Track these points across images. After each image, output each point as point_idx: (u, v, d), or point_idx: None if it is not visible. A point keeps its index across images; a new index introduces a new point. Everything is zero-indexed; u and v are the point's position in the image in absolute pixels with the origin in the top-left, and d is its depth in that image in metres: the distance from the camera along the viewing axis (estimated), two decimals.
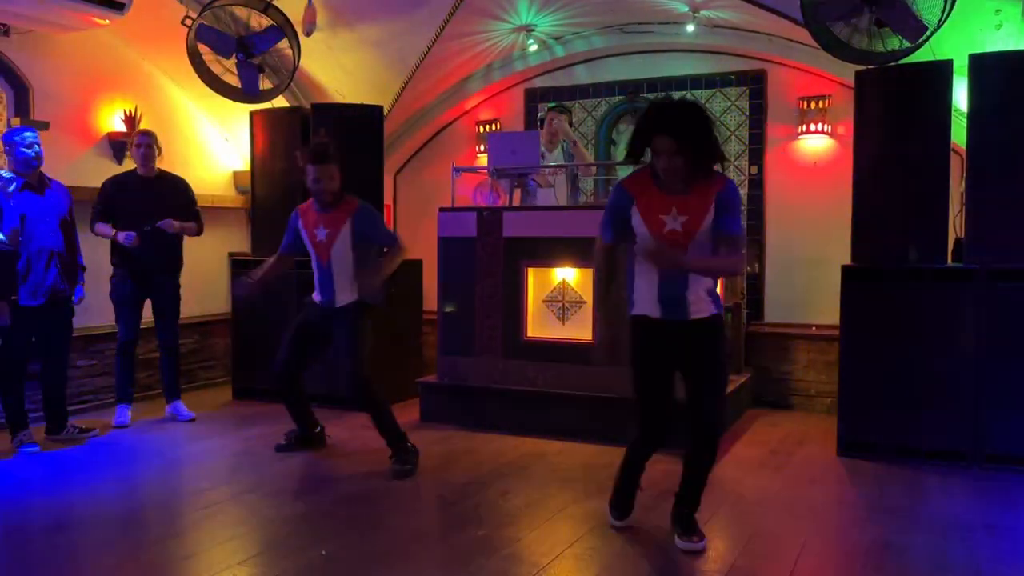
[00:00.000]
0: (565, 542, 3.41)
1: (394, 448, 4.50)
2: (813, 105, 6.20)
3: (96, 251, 5.45)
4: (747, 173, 6.46)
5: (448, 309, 5.63)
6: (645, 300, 3.34)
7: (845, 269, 4.84)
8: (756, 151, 6.43)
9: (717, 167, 3.28)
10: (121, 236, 5.23)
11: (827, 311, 5.70)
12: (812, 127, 6.20)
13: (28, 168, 4.79)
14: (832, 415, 5.19)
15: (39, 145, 4.86)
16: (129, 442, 5.08)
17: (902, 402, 4.66)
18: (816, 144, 6.27)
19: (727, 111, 6.50)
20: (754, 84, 6.43)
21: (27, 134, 4.87)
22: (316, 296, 4.65)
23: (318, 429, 4.97)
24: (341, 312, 4.54)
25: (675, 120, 3.11)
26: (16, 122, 5.61)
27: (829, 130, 6.19)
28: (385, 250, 4.65)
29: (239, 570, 3.11)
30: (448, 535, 3.51)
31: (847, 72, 5.26)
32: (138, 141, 5.43)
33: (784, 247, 6.38)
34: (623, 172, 6.32)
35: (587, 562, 3.26)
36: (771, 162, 6.42)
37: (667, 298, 3.28)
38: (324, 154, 4.43)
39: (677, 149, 3.09)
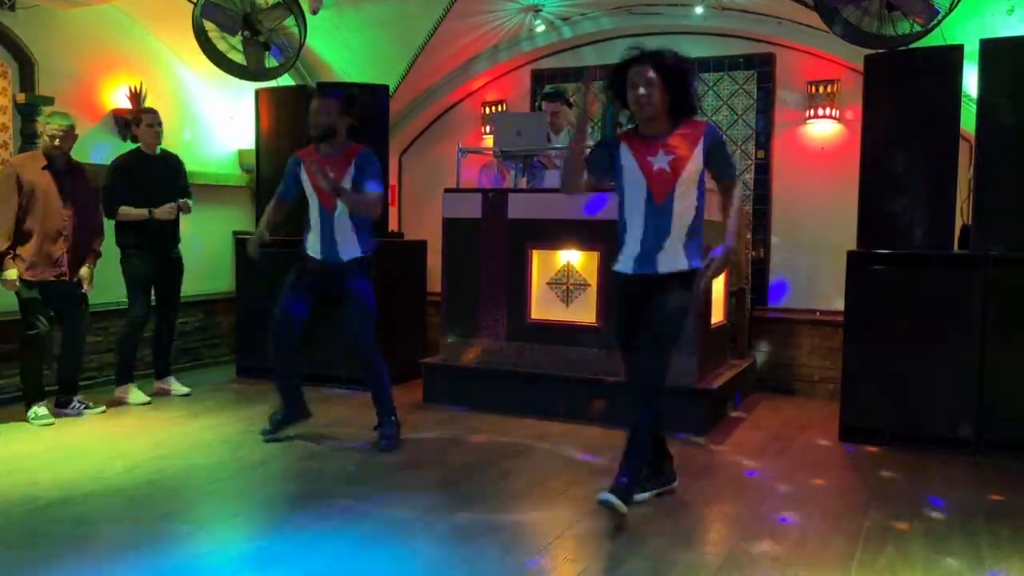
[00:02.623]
0: (567, 523, 3.42)
1: (382, 419, 4.53)
2: (822, 89, 6.16)
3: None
4: (754, 157, 6.43)
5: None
6: (625, 255, 3.51)
7: (851, 255, 4.82)
8: (763, 135, 6.40)
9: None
10: (160, 211, 5.34)
11: (832, 297, 5.70)
12: (820, 112, 6.16)
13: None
14: (835, 401, 5.20)
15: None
16: (133, 418, 5.11)
17: (905, 388, 4.66)
18: (824, 129, 6.23)
19: (735, 94, 6.46)
20: (762, 68, 6.39)
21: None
22: (313, 251, 4.48)
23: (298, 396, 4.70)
24: (347, 270, 4.42)
25: (652, 54, 3.35)
26: (21, 98, 5.60)
27: (837, 115, 6.16)
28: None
29: (242, 546, 3.13)
30: (450, 515, 3.53)
31: (856, 56, 5.22)
32: (152, 120, 5.45)
33: (790, 232, 6.36)
34: None
35: (589, 542, 3.27)
36: (778, 147, 6.39)
37: (642, 253, 3.44)
38: (328, 92, 4.52)
39: (652, 79, 3.29)
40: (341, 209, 4.38)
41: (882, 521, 3.49)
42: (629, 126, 3.68)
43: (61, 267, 4.94)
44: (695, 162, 3.37)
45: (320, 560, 3.02)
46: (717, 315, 5.46)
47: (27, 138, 5.56)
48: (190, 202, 5.61)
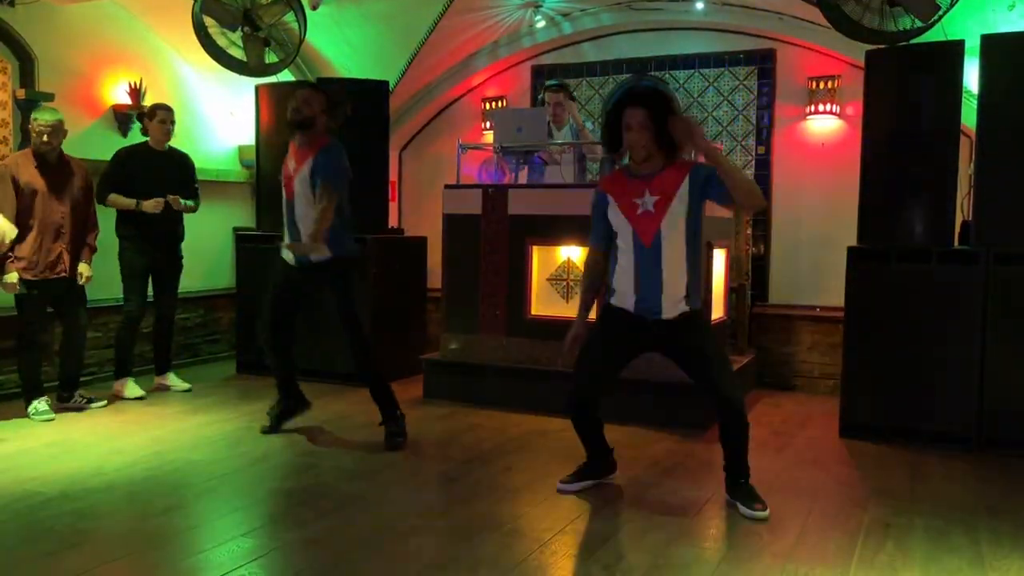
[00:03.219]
0: (567, 518, 3.43)
1: (387, 416, 4.51)
2: (822, 85, 6.16)
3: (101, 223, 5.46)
4: (754, 153, 6.43)
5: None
6: (623, 294, 3.52)
7: (851, 250, 4.82)
8: (764, 131, 6.40)
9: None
10: (148, 204, 5.29)
11: (832, 293, 5.70)
12: (821, 107, 6.16)
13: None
14: (835, 397, 5.20)
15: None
16: (133, 414, 5.11)
17: (905, 384, 4.66)
18: (825, 124, 6.23)
19: (735, 90, 6.45)
20: (763, 63, 6.38)
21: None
22: (285, 251, 4.41)
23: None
24: (324, 271, 4.32)
25: (644, 93, 3.42)
26: (21, 94, 5.60)
27: (838, 110, 6.15)
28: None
29: (243, 541, 3.14)
30: (450, 511, 3.53)
31: (857, 52, 5.22)
32: (166, 116, 5.45)
33: (790, 228, 6.36)
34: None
35: (589, 538, 3.27)
36: (779, 142, 6.39)
37: (643, 296, 3.46)
38: (314, 86, 4.63)
39: (643, 121, 3.34)
40: (297, 198, 4.30)
41: (882, 517, 3.49)
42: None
43: (60, 264, 4.93)
44: (680, 200, 3.39)
45: (320, 557, 3.02)
46: (717, 311, 5.46)
47: (27, 134, 5.55)
48: (190, 202, 5.56)
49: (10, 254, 4.78)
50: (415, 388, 5.71)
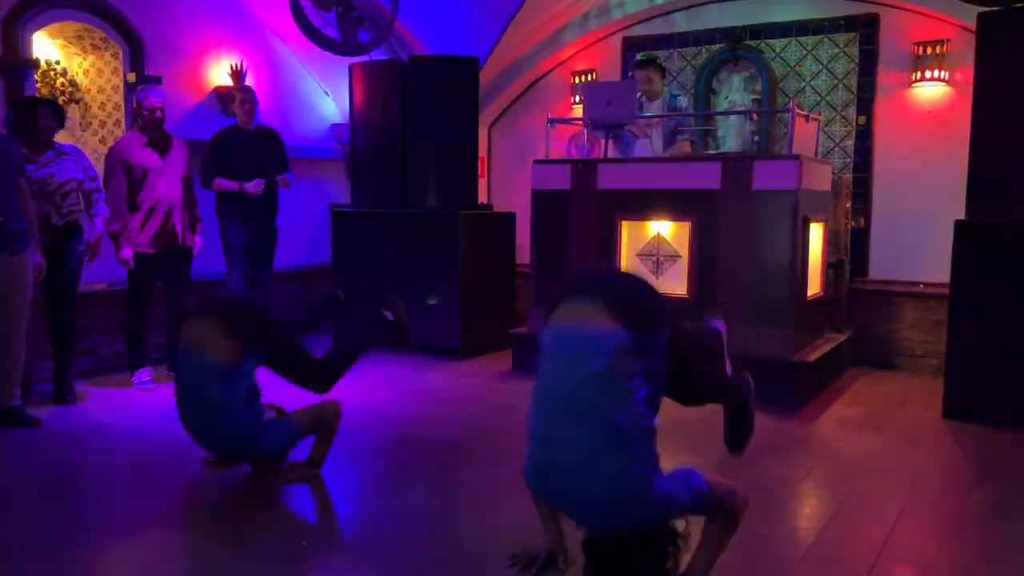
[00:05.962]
0: None
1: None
2: (929, 50, 5.85)
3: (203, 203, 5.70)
4: (855, 123, 6.18)
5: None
6: None
7: (959, 224, 4.60)
8: (865, 100, 6.13)
9: None
10: (251, 186, 5.52)
11: (936, 268, 5.45)
12: (928, 74, 5.86)
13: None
14: (938, 377, 4.99)
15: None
16: None
17: (1013, 365, 4.43)
18: (931, 92, 5.93)
19: (835, 58, 6.20)
20: (865, 29, 6.10)
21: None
22: None
23: None
24: None
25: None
26: (132, 77, 5.87)
27: (946, 77, 5.84)
28: None
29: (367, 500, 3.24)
30: None
31: (968, 15, 4.93)
32: (245, 97, 5.65)
33: (892, 201, 6.10)
34: (722, 124, 6.16)
35: None
36: (881, 111, 6.12)
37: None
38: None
39: None
40: None
41: (987, 503, 3.36)
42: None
43: (170, 238, 5.18)
44: None
45: (415, 524, 3.12)
46: (813, 287, 5.31)
47: (136, 116, 5.84)
48: (288, 176, 5.78)
49: (123, 230, 5.04)
50: (504, 362, 5.77)
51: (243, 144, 5.66)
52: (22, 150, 4.39)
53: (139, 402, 4.84)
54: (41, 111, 4.58)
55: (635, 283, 2.57)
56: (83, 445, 4.10)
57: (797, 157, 4.84)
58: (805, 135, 5.45)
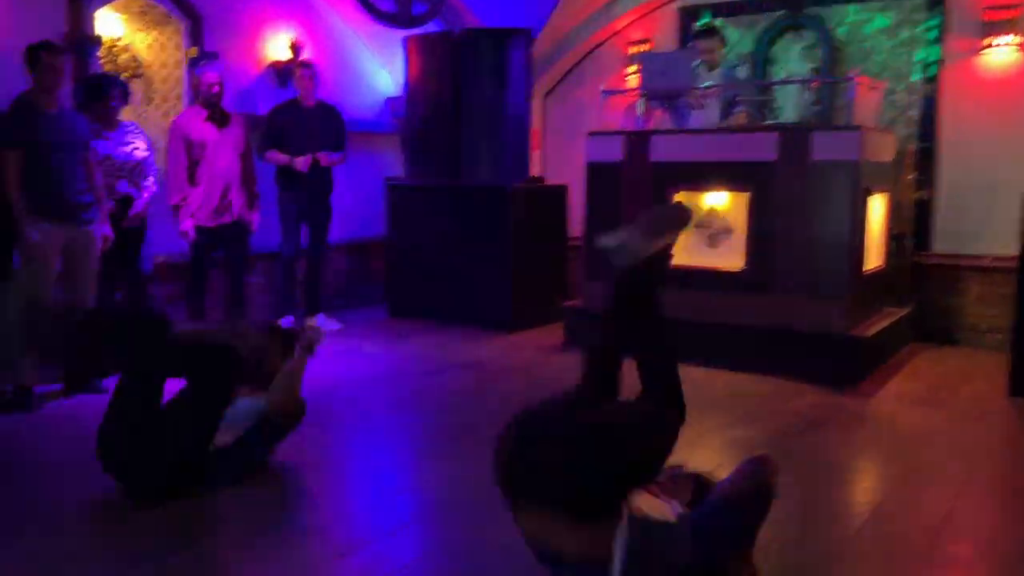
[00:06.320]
0: (712, 464, 3.39)
1: None
2: (1002, 16, 5.61)
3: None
4: (920, 92, 5.97)
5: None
6: None
7: None
8: (931, 67, 5.92)
9: None
10: (299, 161, 5.59)
11: (1004, 241, 5.27)
12: (999, 40, 5.63)
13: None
14: (1004, 352, 4.84)
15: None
16: None
17: None
18: (1002, 58, 5.69)
19: (900, 24, 5.99)
20: None
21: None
22: None
23: None
24: None
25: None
26: (192, 52, 5.98)
27: (1019, 42, 5.61)
28: None
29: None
30: None
31: None
32: (304, 72, 5.72)
33: (959, 171, 5.89)
34: (780, 94, 6.00)
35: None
36: (948, 79, 5.90)
37: None
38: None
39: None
40: None
41: None
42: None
43: (228, 212, 5.30)
44: None
45: (463, 495, 3.17)
46: (873, 260, 5.18)
47: (196, 92, 5.95)
48: (337, 155, 5.82)
49: (183, 204, 5.17)
50: (555, 335, 5.78)
51: (299, 119, 5.73)
52: (92, 124, 4.52)
53: None
54: (108, 89, 4.71)
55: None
56: None
57: (858, 127, 4.71)
58: (867, 104, 5.30)
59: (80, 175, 4.30)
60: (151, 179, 4.88)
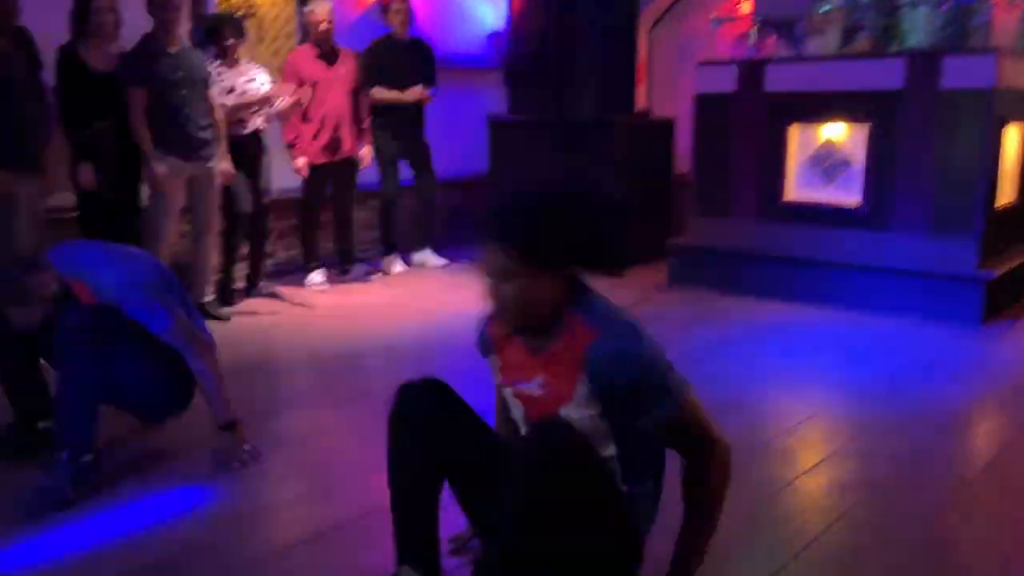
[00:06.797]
0: (805, 413, 3.30)
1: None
2: None
3: None
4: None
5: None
6: None
7: None
8: None
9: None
10: (412, 93, 5.64)
11: None
12: None
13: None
14: None
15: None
16: (400, 287, 5.59)
17: None
18: None
19: None
20: None
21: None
22: None
23: None
24: None
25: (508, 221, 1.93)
26: None
27: None
28: None
29: None
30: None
31: None
32: (398, 7, 5.70)
33: None
34: (908, 17, 5.59)
35: (824, 434, 3.17)
36: None
37: None
38: None
39: (505, 266, 1.90)
40: None
41: None
42: None
43: (340, 148, 5.41)
44: (577, 403, 1.84)
45: None
46: (1007, 195, 4.85)
47: (307, 29, 6.03)
48: (428, 91, 5.79)
49: (296, 141, 5.30)
50: (659, 273, 5.70)
51: (395, 53, 5.72)
52: (211, 61, 4.67)
53: (312, 301, 5.17)
54: (225, 29, 4.83)
55: None
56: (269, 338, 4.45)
57: (994, 50, 4.37)
58: (1005, 26, 4.90)
59: (201, 112, 4.46)
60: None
